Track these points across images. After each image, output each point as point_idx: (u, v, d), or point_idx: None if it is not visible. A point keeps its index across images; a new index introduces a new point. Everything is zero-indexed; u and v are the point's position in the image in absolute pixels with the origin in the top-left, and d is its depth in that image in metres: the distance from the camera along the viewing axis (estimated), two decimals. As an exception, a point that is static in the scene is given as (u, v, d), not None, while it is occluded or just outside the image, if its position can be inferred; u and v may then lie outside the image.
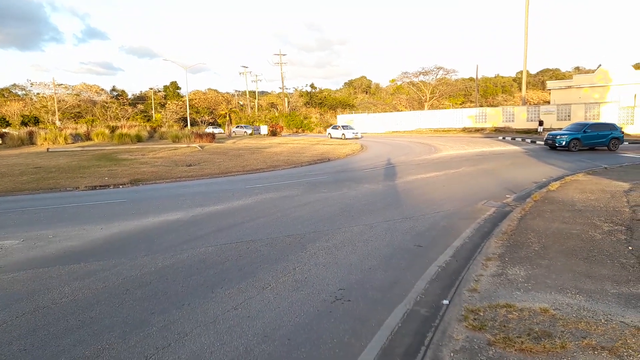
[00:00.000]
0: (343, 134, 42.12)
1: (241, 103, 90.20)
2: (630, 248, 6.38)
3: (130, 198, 12.92)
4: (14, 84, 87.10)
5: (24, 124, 62.32)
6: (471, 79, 77.72)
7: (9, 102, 77.68)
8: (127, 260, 6.71)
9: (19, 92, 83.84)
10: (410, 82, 73.10)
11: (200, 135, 37.22)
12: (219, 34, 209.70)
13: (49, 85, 78.00)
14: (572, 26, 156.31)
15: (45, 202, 12.59)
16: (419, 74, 70.64)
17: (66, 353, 3.99)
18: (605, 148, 24.07)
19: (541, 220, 8.18)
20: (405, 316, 4.61)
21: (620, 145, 24.35)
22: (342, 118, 64.71)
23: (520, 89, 56.76)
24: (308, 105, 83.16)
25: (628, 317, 4.19)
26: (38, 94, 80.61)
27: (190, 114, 66.46)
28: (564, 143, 23.60)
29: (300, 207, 10.64)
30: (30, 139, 35.78)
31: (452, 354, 3.66)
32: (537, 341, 3.77)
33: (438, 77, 70.63)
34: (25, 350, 4.06)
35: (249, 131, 56.87)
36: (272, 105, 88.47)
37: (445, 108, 65.33)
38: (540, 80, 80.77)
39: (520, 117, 45.17)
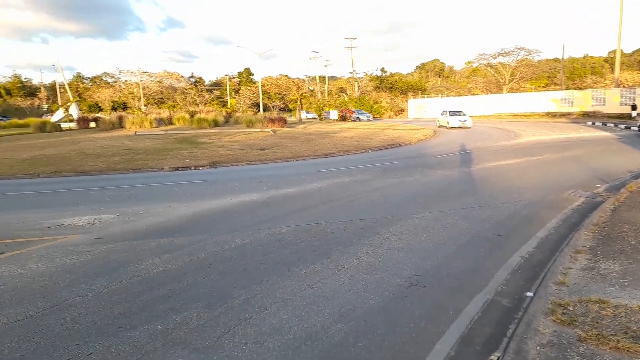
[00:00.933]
0: (447, 121, 33.64)
1: (311, 88, 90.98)
2: None
3: (209, 179, 13.63)
4: (105, 72, 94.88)
5: (114, 109, 67.77)
6: (556, 60, 72.10)
7: (100, 89, 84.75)
8: (210, 236, 7.11)
9: (109, 80, 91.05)
10: (488, 64, 69.35)
11: (273, 120, 38.16)
12: (290, 20, 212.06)
13: (135, 73, 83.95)
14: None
15: (135, 181, 13.66)
16: (498, 55, 66.74)
17: (160, 318, 4.33)
18: None
19: (638, 212, 7.46)
20: (486, 306, 4.45)
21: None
22: (413, 102, 63.15)
23: (612, 70, 51.68)
24: (378, 90, 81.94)
25: None
26: (125, 81, 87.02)
27: (262, 99, 68.32)
28: None
29: (371, 191, 10.60)
30: (120, 123, 38.80)
31: (538, 348, 3.49)
32: (635, 340, 3.48)
33: (519, 58, 66.22)
34: (123, 314, 4.47)
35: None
36: (342, 90, 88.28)
37: (526, 91, 61.22)
38: (636, 60, 72.96)
39: (613, 101, 41.19)
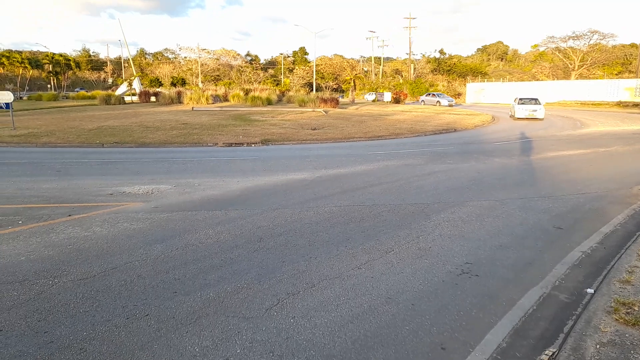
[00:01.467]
0: (534, 111, 27.39)
1: (365, 69, 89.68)
2: None
3: (260, 156, 13.87)
4: (166, 48, 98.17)
5: (173, 84, 70.17)
6: (633, 45, 66.47)
7: (161, 65, 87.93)
8: (260, 211, 7.26)
9: (170, 56, 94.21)
10: (557, 47, 65.20)
11: (325, 100, 38.06)
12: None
13: (194, 50, 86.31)
14: None
15: (191, 155, 14.15)
16: (568, 39, 62.60)
17: (212, 287, 4.49)
18: None
19: None
20: (541, 299, 4.26)
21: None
22: (471, 87, 60.73)
23: (700, 57, 46.97)
24: (435, 72, 79.40)
25: None
26: (185, 57, 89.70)
27: (315, 79, 68.26)
28: None
29: (423, 176, 10.37)
30: (179, 98, 40.23)
31: (598, 346, 3.30)
32: None
33: (591, 42, 61.69)
34: (178, 280, 4.68)
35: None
36: (397, 71, 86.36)
37: (596, 78, 57.11)
38: None
39: (697, 91, 37.59)
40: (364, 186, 9.25)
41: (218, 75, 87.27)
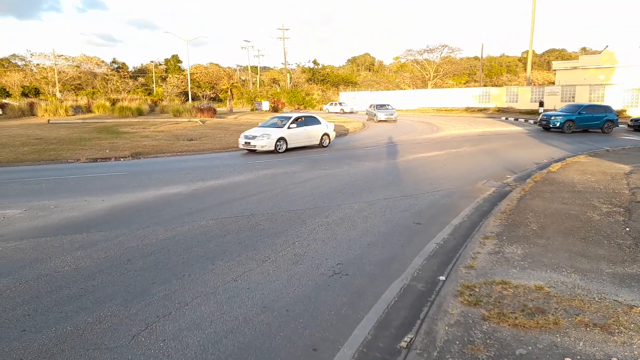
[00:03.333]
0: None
1: (243, 78, 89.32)
2: (627, 229, 6.42)
3: (131, 171, 12.96)
4: (14, 54, 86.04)
5: (24, 94, 61.94)
6: (476, 58, 76.70)
7: (8, 73, 76.79)
8: (129, 231, 6.78)
9: (19, 63, 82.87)
10: (415, 60, 72.20)
11: (202, 110, 36.97)
12: (221, 6, 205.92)
13: (49, 56, 76.99)
14: (580, 5, 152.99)
15: (47, 173, 12.63)
16: (424, 52, 69.75)
17: (69, 319, 4.07)
18: (599, 130, 23.76)
19: (540, 200, 8.21)
20: (402, 291, 4.69)
21: (614, 128, 24.07)
22: (344, 95, 64.23)
23: (525, 69, 56.05)
24: (310, 82, 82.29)
25: (621, 296, 4.26)
26: (38, 64, 79.67)
27: (191, 88, 65.92)
28: (558, 124, 23.28)
29: (300, 183, 10.67)
30: (31, 110, 35.54)
31: (446, 328, 3.74)
32: (530, 317, 3.84)
33: (443, 55, 69.75)
34: (28, 316, 4.15)
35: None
36: (274, 81, 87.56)
37: (449, 87, 64.66)
38: (545, 60, 79.65)
39: (524, 98, 44.80)
40: (243, 196, 9.21)
41: (80, 84, 79.19)
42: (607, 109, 24.32)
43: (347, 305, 4.37)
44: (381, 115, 33.33)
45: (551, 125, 23.67)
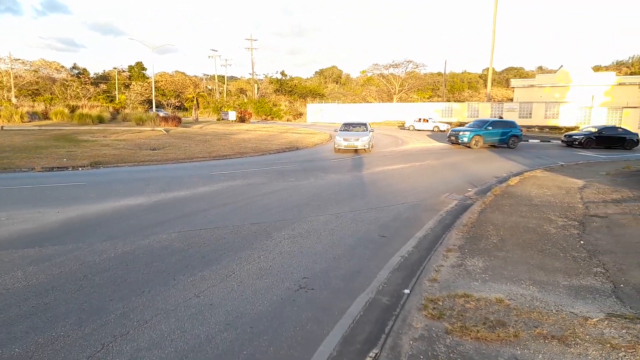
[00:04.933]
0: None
1: (209, 87, 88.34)
2: (582, 242, 6.70)
3: (90, 181, 12.48)
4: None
5: (-25, 99, 58.78)
6: (439, 74, 79.08)
7: (-42, 76, 72.88)
8: (85, 245, 6.49)
9: (-30, 66, 78.73)
10: (381, 74, 73.62)
11: (166, 119, 36.28)
12: (189, 14, 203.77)
13: (4, 60, 73.60)
14: (539, 26, 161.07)
15: (-2, 183, 11.97)
16: (389, 67, 71.27)
17: (18, 340, 3.83)
18: (505, 145, 24.06)
19: (500, 213, 8.46)
20: (367, 305, 4.69)
21: (518, 143, 24.60)
22: (312, 107, 64.53)
23: (486, 86, 58.21)
24: (278, 93, 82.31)
25: (577, 308, 4.42)
26: (-8, 68, 75.97)
27: (156, 96, 64.51)
28: (465, 140, 23.18)
29: (267, 195, 10.58)
30: (-18, 116, 33.85)
31: (411, 342, 3.76)
32: (492, 330, 3.92)
33: (408, 70, 71.48)
34: (-28, 338, 3.88)
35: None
36: (241, 91, 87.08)
37: (413, 101, 66.20)
38: (505, 78, 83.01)
39: (485, 113, 46.42)
40: (207, 208, 9.03)
41: (37, 90, 76.01)
42: (511, 124, 24.80)
43: (312, 320, 4.33)
44: (340, 140, 20.59)
45: (459, 141, 23.46)
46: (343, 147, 20.46)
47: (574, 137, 26.28)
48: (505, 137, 23.93)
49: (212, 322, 4.24)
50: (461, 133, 23.63)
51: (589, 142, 25.30)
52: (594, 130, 26.42)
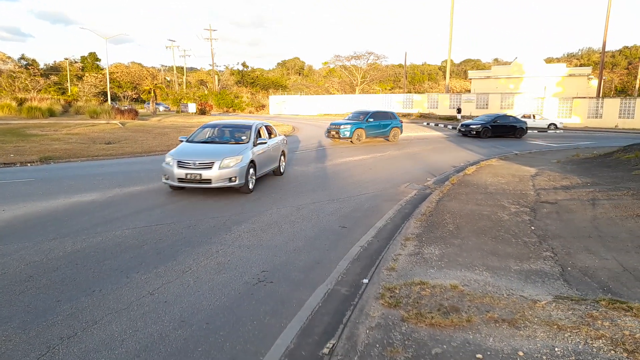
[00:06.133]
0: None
1: (168, 79, 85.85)
2: (533, 228, 6.97)
3: (39, 177, 11.86)
4: None
5: None
6: (400, 66, 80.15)
7: None
8: (32, 244, 6.16)
9: None
10: (343, 65, 73.76)
11: (122, 112, 35.00)
12: (146, 3, 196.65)
13: (-59, 49, 68.72)
14: (495, 19, 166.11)
15: None
16: (351, 58, 71.45)
17: (-47, 348, 3.59)
18: (386, 139, 22.53)
19: (457, 202, 8.68)
20: (326, 296, 4.69)
21: (400, 136, 23.23)
22: (274, 99, 63.99)
23: (445, 78, 59.52)
24: (239, 85, 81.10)
25: (526, 291, 4.58)
26: None
27: (111, 88, 62.16)
28: (348, 134, 20.72)
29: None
30: None
31: (367, 331, 3.78)
32: (446, 316, 4.01)
33: (369, 62, 71.90)
34: None
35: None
36: (202, 82, 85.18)
37: (375, 93, 66.91)
38: (463, 69, 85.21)
39: (444, 104, 47.50)
40: (164, 203, 8.78)
41: (-20, 81, 71.53)
42: (391, 115, 23.16)
43: (270, 314, 4.28)
44: (170, 167, 9.39)
45: (341, 136, 20.79)
46: (176, 184, 9.30)
47: (471, 126, 25.83)
48: (386, 129, 22.27)
49: (166, 319, 4.12)
50: (342, 127, 20.87)
51: (485, 132, 25.22)
52: (488, 119, 26.20)
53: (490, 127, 25.50)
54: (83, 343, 3.69)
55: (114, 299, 4.53)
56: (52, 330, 3.90)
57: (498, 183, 10.69)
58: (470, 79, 54.32)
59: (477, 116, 31.75)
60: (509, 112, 42.99)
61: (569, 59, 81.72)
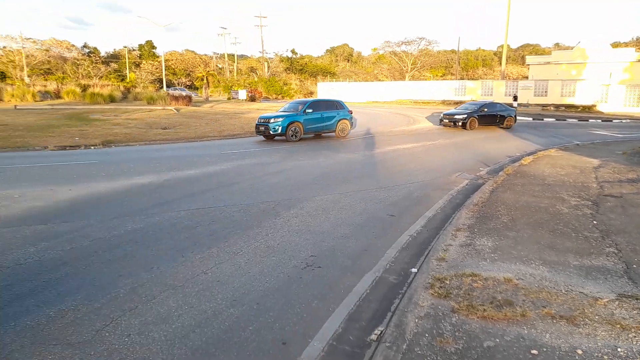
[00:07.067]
0: None
1: (219, 66, 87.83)
2: (595, 222, 6.58)
3: (101, 160, 12.58)
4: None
5: (-11, 78, 59.33)
6: (453, 51, 77.39)
7: (-28, 55, 73.42)
8: (96, 222, 6.56)
9: (-17, 45, 79.15)
10: (393, 51, 72.26)
11: (177, 98, 36.24)
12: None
13: (16, 39, 73.83)
14: (556, 1, 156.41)
15: (12, 161, 12.14)
16: (402, 44, 69.80)
17: (29, 314, 3.91)
18: (332, 133, 18.46)
19: (512, 193, 8.34)
20: (374, 283, 4.68)
21: (350, 131, 19.09)
22: (322, 86, 63.90)
23: (500, 63, 56.94)
24: (288, 71, 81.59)
25: (587, 288, 4.36)
26: (4, 47, 76.33)
27: (166, 75, 64.46)
28: (279, 130, 16.61)
29: (276, 174, 10.57)
30: (-4, 95, 34.18)
31: (416, 320, 3.75)
32: (499, 309, 3.89)
33: (420, 47, 69.99)
34: (-14, 311, 3.97)
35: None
36: (252, 69, 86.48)
37: (426, 79, 65.14)
38: (520, 55, 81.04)
39: (499, 91, 45.51)
40: (216, 187, 9.05)
41: (49, 69, 76.30)
42: (337, 105, 18.74)
43: (318, 297, 4.34)
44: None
45: (272, 132, 16.75)
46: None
47: (455, 116, 21.90)
48: (331, 122, 18.07)
49: (219, 298, 4.27)
50: (272, 121, 16.80)
51: (472, 123, 21.47)
52: (475, 108, 22.43)
53: (477, 117, 21.82)
54: (143, 316, 3.90)
55: (171, 276, 4.75)
56: (114, 302, 4.16)
57: (557, 174, 10.16)
58: (528, 64, 51.58)
59: (533, 104, 30.07)
60: (569, 101, 40.61)
61: (639, 43, 75.68)
